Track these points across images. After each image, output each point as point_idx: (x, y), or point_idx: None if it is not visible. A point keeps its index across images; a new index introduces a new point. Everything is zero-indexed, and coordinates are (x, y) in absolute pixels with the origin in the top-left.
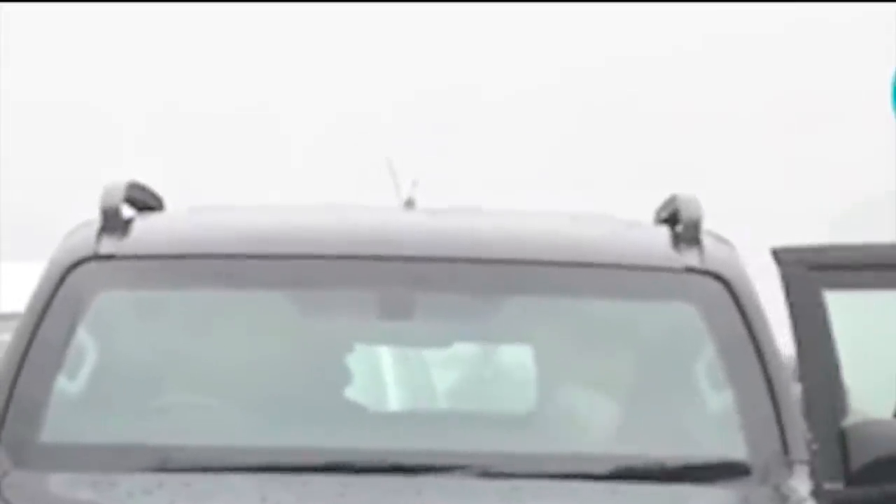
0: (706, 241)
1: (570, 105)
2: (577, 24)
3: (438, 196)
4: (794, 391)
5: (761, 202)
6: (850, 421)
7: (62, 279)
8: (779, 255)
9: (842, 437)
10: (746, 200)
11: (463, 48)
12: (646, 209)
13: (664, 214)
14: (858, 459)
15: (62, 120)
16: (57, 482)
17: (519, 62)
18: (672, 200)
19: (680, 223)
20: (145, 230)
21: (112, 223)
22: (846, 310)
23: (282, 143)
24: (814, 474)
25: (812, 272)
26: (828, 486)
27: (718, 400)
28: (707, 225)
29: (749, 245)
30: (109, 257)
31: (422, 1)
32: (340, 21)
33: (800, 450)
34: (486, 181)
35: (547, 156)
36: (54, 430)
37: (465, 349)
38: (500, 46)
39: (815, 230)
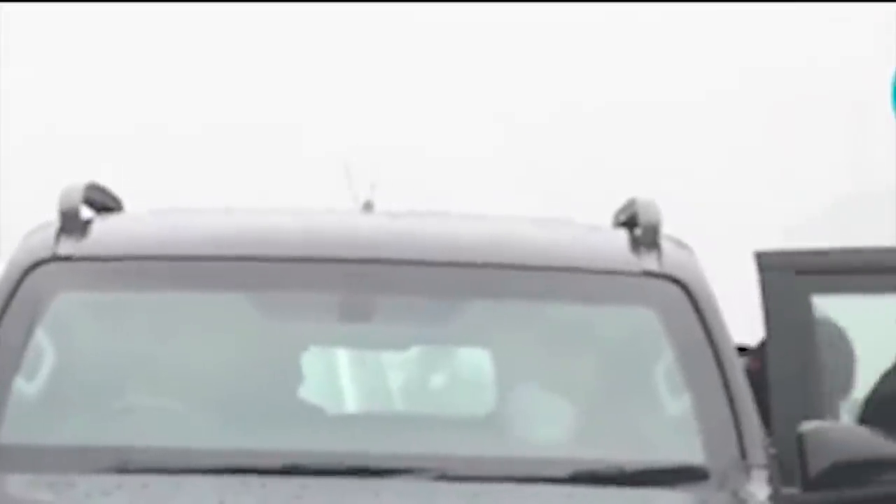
0: (665, 244)
1: (537, 112)
2: (555, 31)
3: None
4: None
5: (720, 208)
6: (807, 426)
7: (20, 280)
8: (761, 259)
9: (799, 442)
10: (709, 207)
11: (434, 56)
12: (606, 213)
13: (623, 218)
14: (816, 464)
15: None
16: (14, 483)
17: (492, 68)
18: (631, 204)
19: (639, 227)
20: (104, 231)
21: (71, 224)
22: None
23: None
24: (772, 479)
25: (800, 276)
26: (785, 490)
27: (677, 404)
28: (666, 229)
29: (713, 249)
30: (68, 258)
31: (409, 1)
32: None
33: (758, 455)
34: (450, 187)
35: (509, 163)
36: (12, 431)
37: (423, 352)
38: (474, 53)
39: (771, 237)
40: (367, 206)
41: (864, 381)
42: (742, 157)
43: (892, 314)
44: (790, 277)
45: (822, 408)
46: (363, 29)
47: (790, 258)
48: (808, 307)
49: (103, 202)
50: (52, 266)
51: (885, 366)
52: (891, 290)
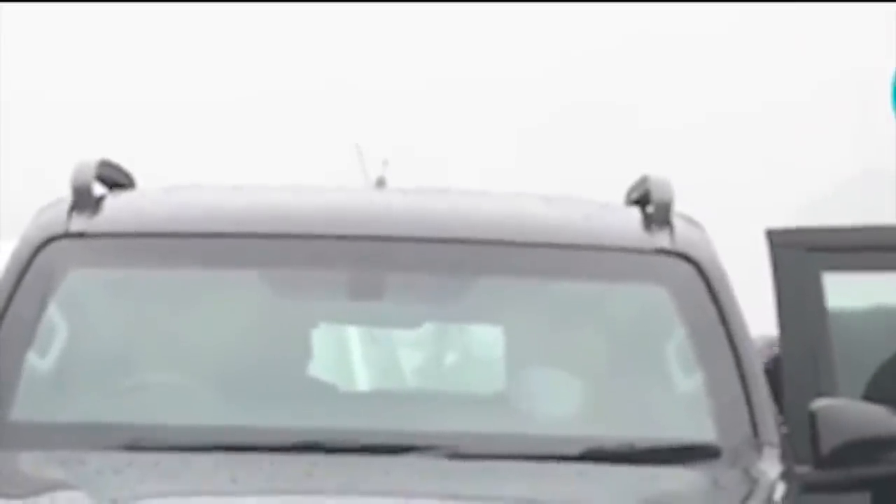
0: (677, 222)
1: (549, 97)
2: (559, 19)
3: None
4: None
5: (731, 189)
6: (819, 403)
7: (33, 257)
8: (773, 237)
9: (811, 419)
10: (719, 187)
11: (438, 43)
12: (618, 192)
13: (635, 196)
14: (828, 442)
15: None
16: (26, 460)
17: (500, 56)
18: (643, 181)
19: (651, 204)
20: (116, 208)
21: (83, 201)
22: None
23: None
24: (784, 457)
25: (811, 254)
26: (798, 468)
27: (688, 382)
28: (678, 207)
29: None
30: (80, 235)
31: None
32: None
33: (770, 432)
34: (463, 167)
35: (524, 141)
36: (24, 408)
37: (435, 329)
38: (479, 42)
39: (781, 217)
40: (380, 183)
41: (874, 359)
42: (752, 140)
43: None
44: (801, 255)
45: (835, 385)
46: (374, 21)
47: (801, 235)
48: (818, 284)
49: (116, 179)
50: (65, 242)
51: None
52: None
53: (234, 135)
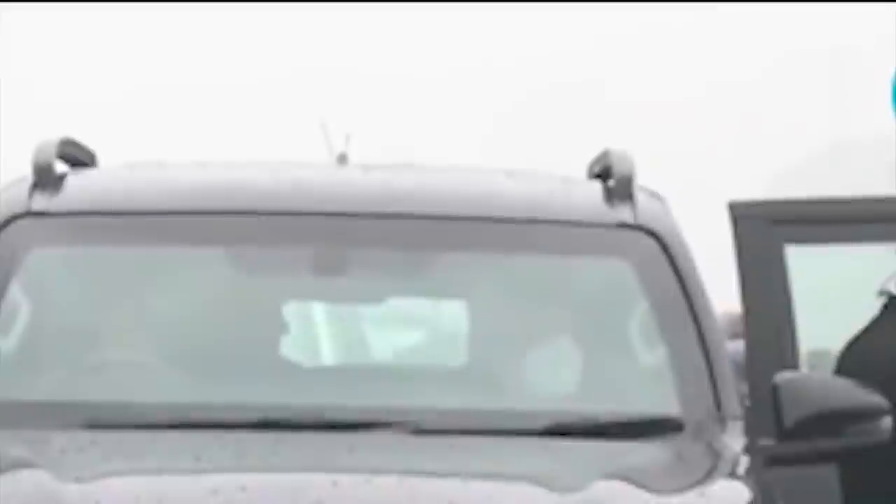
0: (639, 196)
1: (518, 79)
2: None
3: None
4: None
5: (702, 159)
6: (782, 376)
7: None
8: (735, 209)
9: (774, 392)
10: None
11: (408, 27)
12: (580, 166)
13: (597, 169)
14: (791, 415)
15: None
16: None
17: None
18: (604, 155)
19: (612, 178)
20: (79, 186)
21: (45, 179)
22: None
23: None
24: (747, 430)
25: (773, 226)
26: (762, 441)
27: (651, 356)
28: (640, 180)
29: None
30: (42, 213)
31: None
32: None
33: (733, 406)
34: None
35: (491, 121)
36: None
37: (398, 305)
38: (457, 31)
39: (753, 187)
40: (342, 159)
41: (838, 329)
42: (722, 111)
43: (864, 263)
44: (764, 227)
45: (797, 358)
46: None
47: (763, 208)
48: (781, 257)
49: (78, 157)
50: (27, 221)
51: (856, 313)
52: (863, 239)
53: (202, 117)
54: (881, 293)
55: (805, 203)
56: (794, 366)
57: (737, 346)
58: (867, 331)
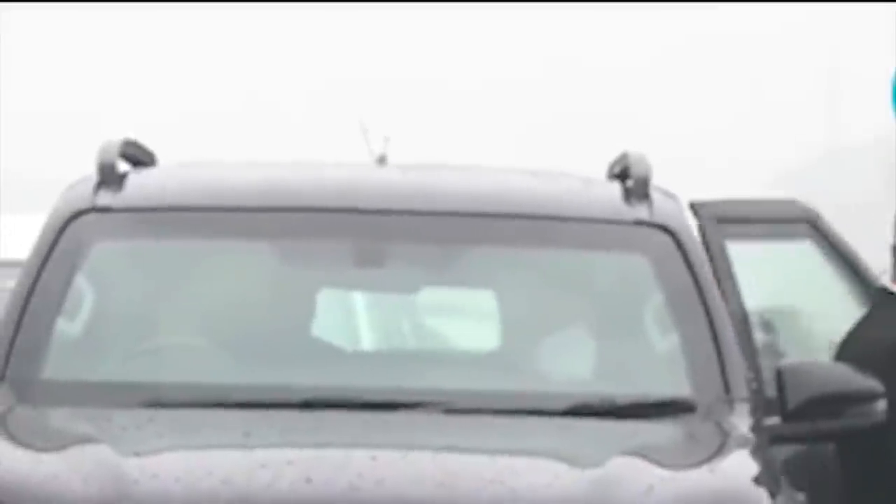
0: (654, 195)
1: (536, 82)
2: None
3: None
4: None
5: (706, 163)
6: (786, 362)
7: (62, 230)
8: (694, 208)
9: (778, 377)
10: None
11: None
12: (601, 165)
13: (616, 171)
14: (794, 398)
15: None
16: (57, 416)
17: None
18: (623, 158)
19: (630, 179)
20: (139, 184)
21: (108, 177)
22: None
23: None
24: (754, 411)
25: (719, 224)
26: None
27: (666, 343)
28: (655, 180)
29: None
30: (106, 209)
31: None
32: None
33: (740, 389)
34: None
35: (514, 120)
36: (54, 368)
37: (432, 294)
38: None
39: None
40: (381, 160)
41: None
42: (726, 117)
43: (785, 259)
44: (713, 225)
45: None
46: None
47: (711, 208)
48: (724, 253)
49: (138, 157)
50: (91, 216)
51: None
52: (785, 237)
53: (254, 121)
54: (875, 288)
55: (738, 203)
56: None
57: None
58: (863, 322)
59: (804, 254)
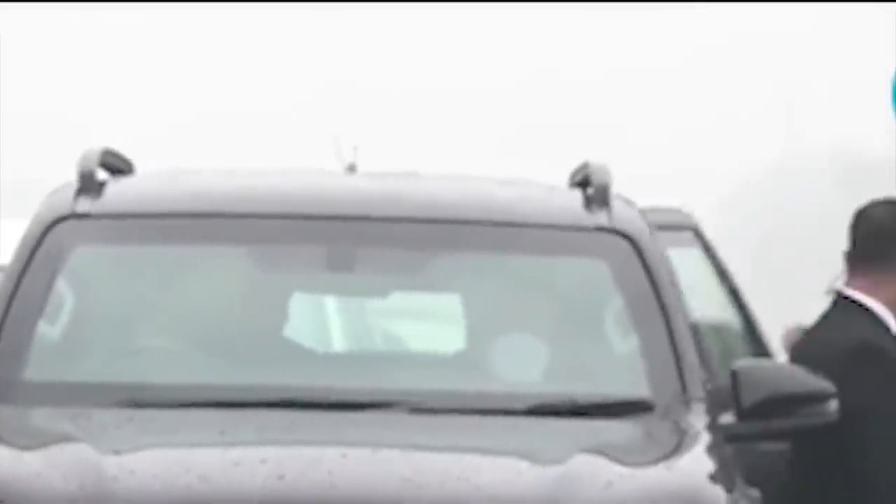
0: (615, 202)
1: (507, 88)
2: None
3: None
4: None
5: (667, 174)
6: (740, 363)
7: (43, 235)
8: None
9: (733, 377)
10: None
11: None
12: (564, 173)
13: (577, 179)
14: (749, 398)
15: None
16: (38, 415)
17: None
18: (584, 167)
19: (591, 187)
20: (117, 192)
21: (88, 185)
22: None
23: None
24: (709, 410)
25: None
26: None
27: (625, 345)
28: (616, 188)
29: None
30: (85, 216)
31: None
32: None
33: (696, 389)
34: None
35: (481, 127)
36: (36, 369)
37: (400, 298)
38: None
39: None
40: (351, 168)
41: None
42: (685, 127)
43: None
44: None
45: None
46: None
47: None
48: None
49: (117, 165)
50: (71, 222)
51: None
52: (672, 244)
53: (227, 130)
54: (829, 291)
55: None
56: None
57: None
58: (819, 324)
59: (692, 261)
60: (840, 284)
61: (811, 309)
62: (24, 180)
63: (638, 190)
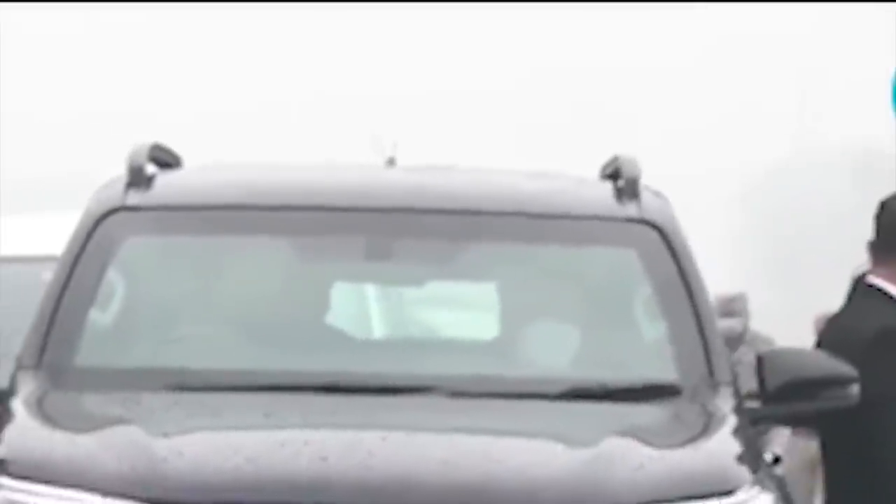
0: (644, 194)
1: (534, 88)
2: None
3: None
4: (719, 324)
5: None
6: (766, 349)
7: (94, 227)
8: None
9: (759, 363)
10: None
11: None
12: (593, 166)
13: (608, 171)
14: (773, 381)
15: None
16: (89, 400)
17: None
18: (615, 160)
19: (621, 179)
20: (166, 185)
21: (137, 178)
22: None
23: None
24: (736, 394)
25: None
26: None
27: (654, 331)
28: (644, 180)
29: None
30: (135, 208)
31: (416, 1)
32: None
33: (724, 373)
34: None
35: (515, 125)
36: (88, 355)
37: (438, 286)
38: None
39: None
40: (390, 162)
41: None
42: (698, 125)
43: None
44: None
45: None
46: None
47: None
48: None
49: (165, 160)
50: (122, 215)
51: None
52: None
53: (275, 129)
54: (854, 279)
55: None
56: None
57: (729, 323)
58: (843, 312)
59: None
60: (862, 271)
61: (824, 300)
62: (75, 173)
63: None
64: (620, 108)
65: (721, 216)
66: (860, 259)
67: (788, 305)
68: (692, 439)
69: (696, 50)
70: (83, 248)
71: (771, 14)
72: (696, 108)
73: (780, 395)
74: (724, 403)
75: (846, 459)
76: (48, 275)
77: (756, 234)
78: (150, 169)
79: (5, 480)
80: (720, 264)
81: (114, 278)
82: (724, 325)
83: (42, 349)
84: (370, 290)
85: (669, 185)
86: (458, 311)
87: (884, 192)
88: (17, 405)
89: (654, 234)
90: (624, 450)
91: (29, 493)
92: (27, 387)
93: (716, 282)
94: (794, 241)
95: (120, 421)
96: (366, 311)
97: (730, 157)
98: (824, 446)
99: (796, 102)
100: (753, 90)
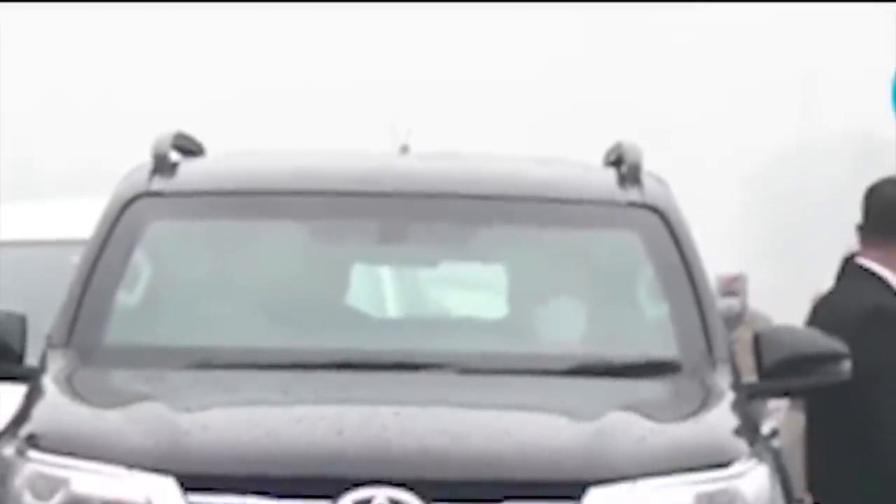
0: (646, 180)
1: (541, 76)
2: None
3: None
4: (718, 304)
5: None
6: (762, 327)
7: (121, 212)
8: None
9: (756, 341)
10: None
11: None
12: (588, 154)
13: (611, 158)
14: (770, 358)
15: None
16: (117, 377)
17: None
18: (617, 146)
19: (624, 165)
20: (189, 172)
21: (162, 166)
22: None
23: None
24: (734, 370)
25: None
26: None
27: (655, 310)
28: (650, 166)
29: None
30: (159, 194)
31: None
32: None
33: (722, 350)
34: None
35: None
36: (115, 335)
37: (449, 267)
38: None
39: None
40: (404, 149)
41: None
42: (707, 111)
43: None
44: None
45: None
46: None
47: None
48: None
49: (188, 147)
50: (147, 200)
51: None
52: None
53: (292, 116)
54: (845, 259)
55: None
56: None
57: (729, 303)
58: (834, 291)
59: None
60: (851, 253)
61: (826, 277)
62: (96, 159)
63: (661, 173)
64: (629, 97)
65: (726, 200)
66: (852, 241)
67: (789, 285)
68: (692, 413)
69: (703, 39)
70: (110, 232)
71: (775, 4)
72: (703, 97)
73: (776, 371)
74: (723, 379)
75: (834, 434)
76: (76, 258)
77: (758, 217)
78: (174, 156)
79: (35, 454)
80: (723, 245)
81: (139, 261)
82: (724, 304)
83: (71, 329)
84: (385, 271)
85: (677, 170)
86: (469, 292)
87: (884, 175)
88: (47, 382)
89: (655, 219)
90: (626, 423)
91: (57, 465)
92: (56, 364)
93: (719, 262)
94: (794, 225)
95: (145, 397)
96: (381, 291)
97: (735, 143)
98: (811, 421)
99: (800, 90)
100: (758, 79)
